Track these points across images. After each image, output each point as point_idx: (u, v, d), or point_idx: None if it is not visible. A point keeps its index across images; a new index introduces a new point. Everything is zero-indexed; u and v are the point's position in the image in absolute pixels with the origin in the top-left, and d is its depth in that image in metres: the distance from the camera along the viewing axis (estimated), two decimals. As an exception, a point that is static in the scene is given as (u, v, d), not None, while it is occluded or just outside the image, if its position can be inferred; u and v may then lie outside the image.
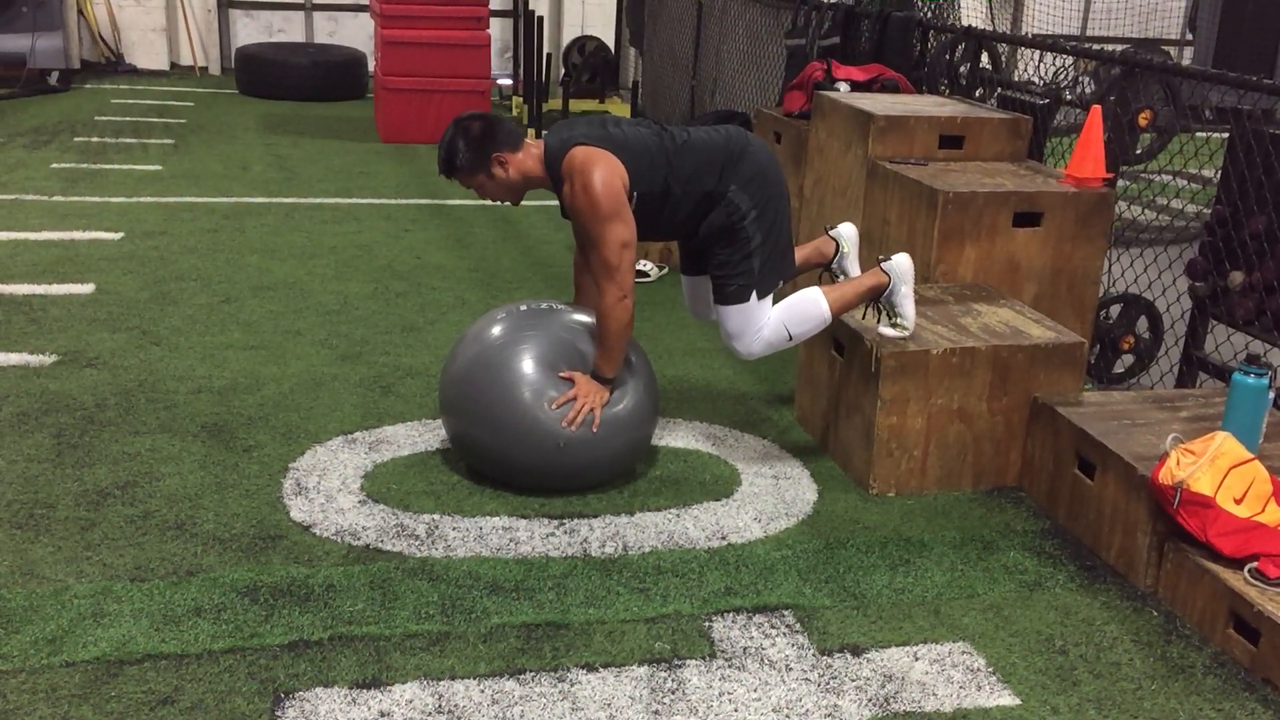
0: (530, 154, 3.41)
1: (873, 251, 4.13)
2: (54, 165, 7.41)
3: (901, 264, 3.58)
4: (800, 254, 3.78)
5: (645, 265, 5.70)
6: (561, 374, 3.37)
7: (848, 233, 3.85)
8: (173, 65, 11.82)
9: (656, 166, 3.36)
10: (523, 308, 3.52)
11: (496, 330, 3.44)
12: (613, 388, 3.41)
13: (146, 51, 11.66)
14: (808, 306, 3.54)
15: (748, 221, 3.42)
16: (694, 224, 3.47)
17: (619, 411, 3.42)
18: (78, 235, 5.87)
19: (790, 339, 3.54)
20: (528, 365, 3.36)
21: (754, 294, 3.46)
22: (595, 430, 3.34)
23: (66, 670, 2.54)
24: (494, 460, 3.42)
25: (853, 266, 3.81)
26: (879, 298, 3.59)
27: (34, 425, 3.71)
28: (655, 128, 3.46)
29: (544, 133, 3.45)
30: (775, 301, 3.56)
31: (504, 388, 3.33)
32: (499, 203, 3.52)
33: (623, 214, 3.29)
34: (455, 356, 3.48)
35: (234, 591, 2.87)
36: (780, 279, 3.53)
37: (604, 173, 3.27)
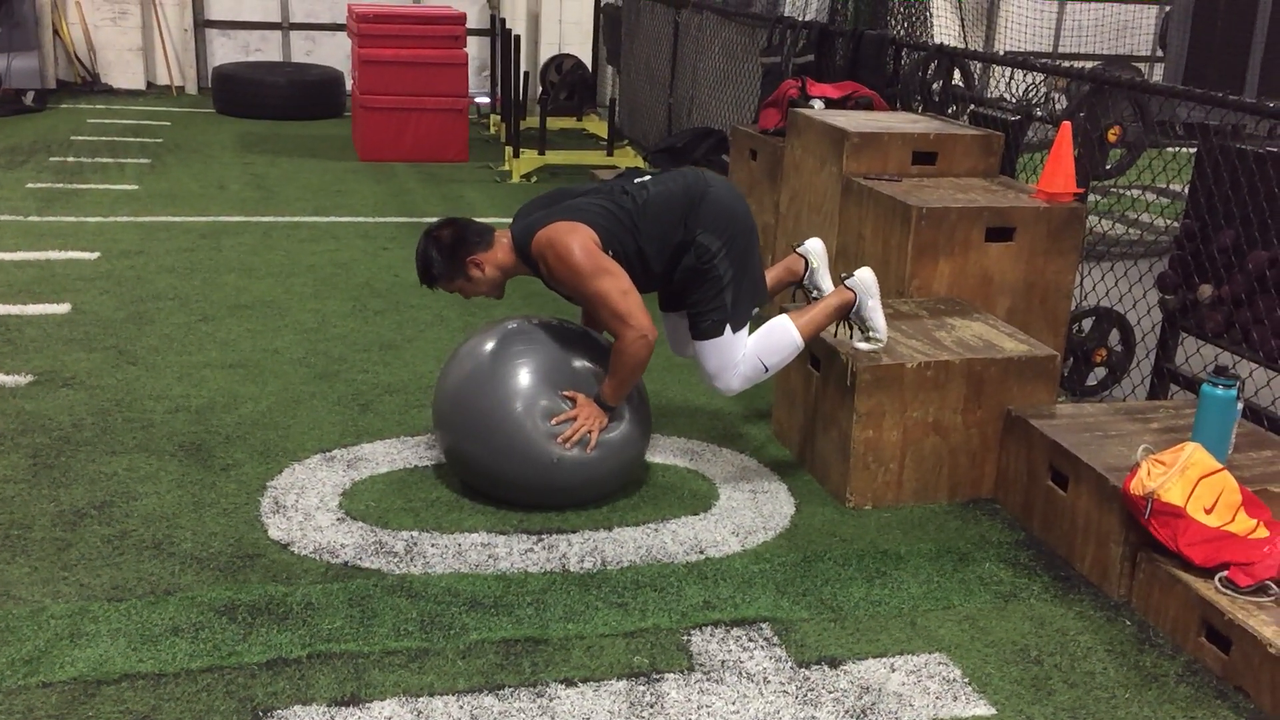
0: (501, 246, 3.47)
1: (849, 266, 4.16)
2: (30, 185, 7.38)
3: (865, 279, 3.62)
4: (771, 275, 3.81)
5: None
6: (564, 393, 3.40)
7: (815, 248, 3.88)
8: (149, 85, 11.80)
9: (623, 230, 3.40)
10: (514, 324, 3.54)
11: (491, 344, 3.46)
12: (613, 416, 3.44)
13: (123, 71, 11.64)
14: (779, 336, 3.57)
15: (717, 260, 3.45)
16: (669, 273, 3.52)
17: (614, 433, 3.45)
18: (54, 255, 5.85)
19: (766, 370, 3.58)
20: (523, 380, 3.38)
21: (728, 328, 3.50)
22: (590, 451, 3.36)
23: (43, 691, 2.53)
24: (486, 475, 3.43)
25: (824, 280, 3.84)
26: (848, 314, 3.63)
27: (10, 446, 3.70)
28: (612, 194, 3.48)
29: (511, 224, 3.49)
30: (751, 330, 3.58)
31: (498, 401, 3.35)
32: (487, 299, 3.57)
33: (607, 266, 3.32)
34: (449, 371, 3.50)
35: (212, 610, 2.87)
36: (752, 308, 3.56)
37: (573, 237, 3.31)
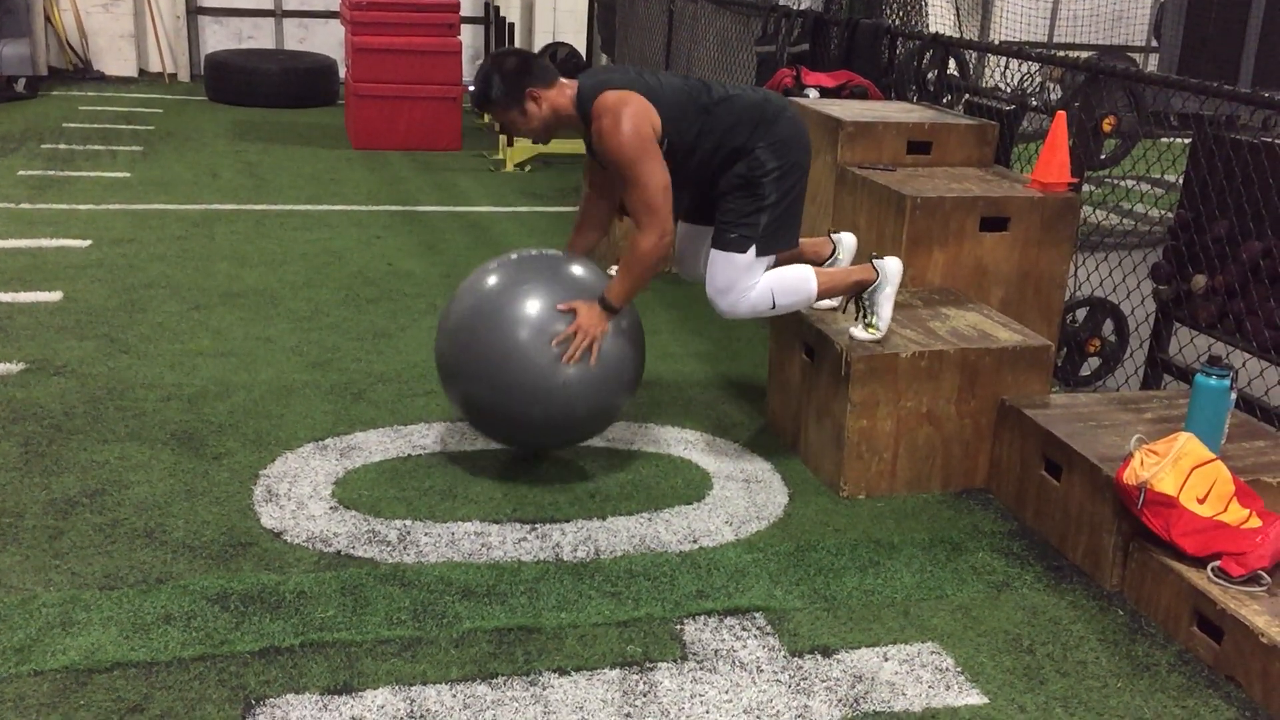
0: (564, 92, 3.41)
1: (855, 260, 4.15)
2: (21, 172, 7.35)
3: (892, 266, 3.61)
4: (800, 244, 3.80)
5: (613, 271, 5.71)
6: (560, 306, 3.32)
7: (848, 242, 3.88)
8: (141, 72, 11.75)
9: (690, 118, 3.38)
10: (511, 256, 3.50)
11: (492, 280, 3.41)
12: (612, 318, 3.36)
13: (115, 58, 11.59)
14: (797, 280, 3.56)
15: (768, 178, 3.43)
16: (717, 176, 3.48)
17: (611, 349, 3.37)
18: (45, 243, 5.83)
19: (774, 307, 3.55)
20: (524, 310, 3.31)
21: (753, 248, 3.46)
22: (593, 365, 3.31)
23: (35, 679, 2.52)
24: (494, 413, 3.39)
25: None
26: (863, 292, 3.62)
27: (1, 434, 3.68)
28: (694, 81, 3.49)
29: (580, 75, 3.46)
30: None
31: (501, 335, 3.30)
32: (531, 141, 3.50)
33: (654, 154, 3.29)
34: (451, 311, 3.47)
35: (204, 599, 2.86)
36: (783, 245, 3.54)
37: (634, 114, 3.27)
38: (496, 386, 3.34)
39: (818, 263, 3.86)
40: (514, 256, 3.52)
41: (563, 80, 3.44)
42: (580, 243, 3.74)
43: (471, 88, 3.45)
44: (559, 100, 3.40)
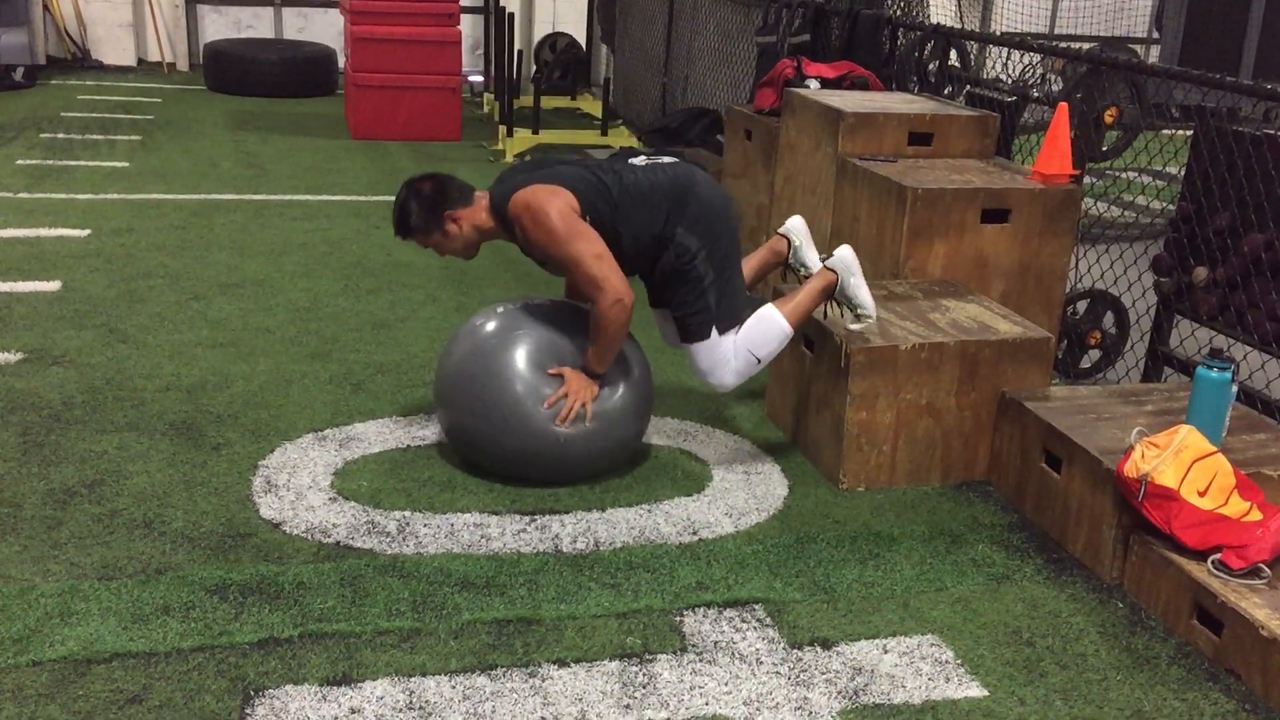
0: (480, 206, 3.46)
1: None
2: (19, 162, 7.33)
3: (844, 256, 3.61)
4: (755, 259, 3.80)
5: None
6: (550, 370, 3.38)
7: (796, 225, 3.85)
8: (140, 61, 11.72)
9: (602, 203, 3.39)
10: (514, 305, 3.55)
11: (492, 324, 3.47)
12: (602, 383, 3.42)
13: (113, 47, 11.55)
14: (767, 327, 3.56)
15: (697, 261, 3.45)
16: (647, 265, 3.51)
17: (615, 405, 3.44)
18: (44, 232, 5.81)
19: (759, 362, 3.58)
20: (526, 358, 3.38)
21: (714, 330, 3.50)
22: (589, 424, 3.36)
23: (33, 669, 2.52)
24: (491, 453, 3.44)
25: (809, 256, 3.79)
26: (833, 295, 3.62)
27: (-1, 424, 3.68)
28: (597, 167, 3.49)
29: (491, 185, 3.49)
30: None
31: (501, 381, 3.35)
32: (460, 258, 3.57)
33: (583, 230, 3.31)
34: (452, 351, 3.50)
35: (203, 589, 2.86)
36: (740, 311, 3.54)
37: (550, 201, 3.30)
38: (504, 454, 3.42)
39: (778, 263, 3.85)
40: (502, 310, 3.54)
41: (478, 193, 3.47)
42: (578, 295, 3.72)
43: (394, 214, 3.49)
44: (477, 216, 3.44)
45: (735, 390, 4.32)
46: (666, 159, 3.58)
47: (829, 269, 3.61)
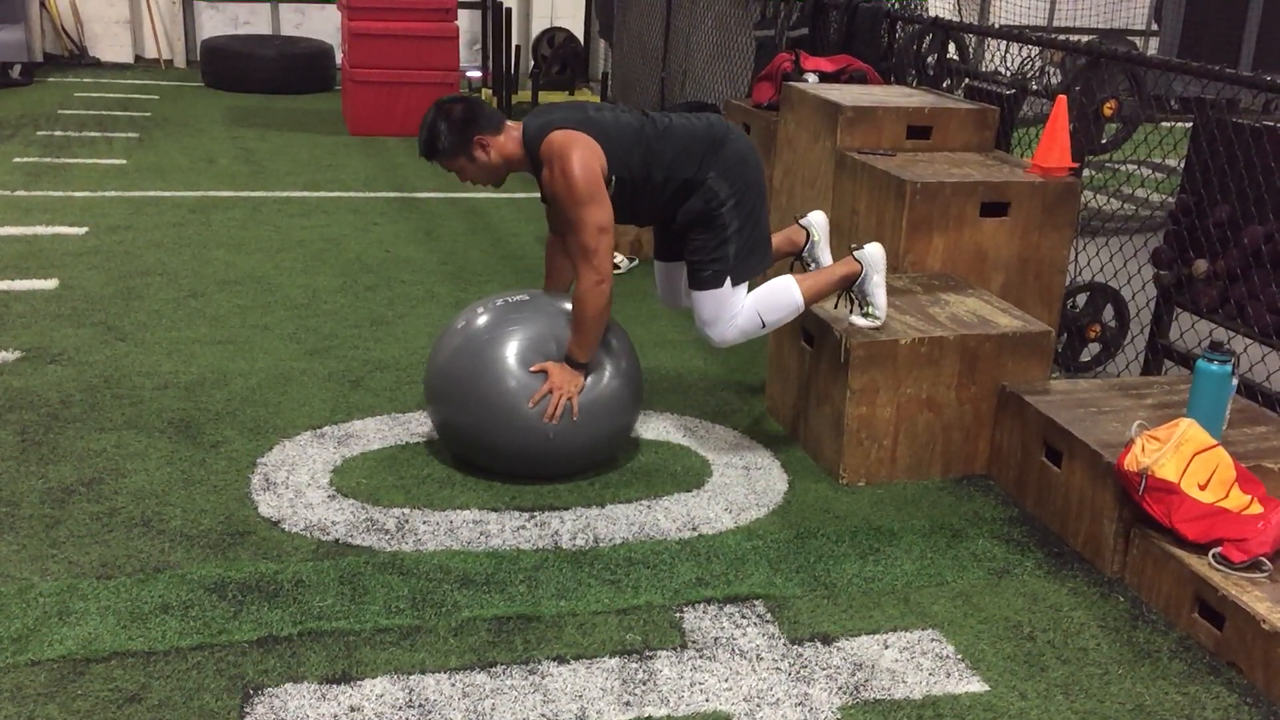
0: (511, 136, 3.41)
1: (843, 242, 4.14)
2: (16, 160, 7.32)
3: (874, 253, 3.59)
4: (772, 243, 3.79)
5: (616, 258, 5.70)
6: (533, 368, 3.36)
7: (818, 220, 3.86)
8: (137, 58, 11.70)
9: (636, 151, 3.36)
10: (500, 301, 3.53)
11: (481, 321, 3.45)
12: (587, 372, 3.41)
13: (110, 44, 11.53)
14: (781, 295, 3.55)
15: (725, 208, 3.42)
16: (672, 210, 3.48)
17: (604, 395, 3.43)
18: (41, 230, 5.80)
19: (764, 326, 3.55)
20: (513, 354, 3.36)
21: (728, 280, 3.46)
22: (575, 419, 3.35)
23: (32, 669, 2.51)
24: (482, 448, 3.43)
25: (824, 254, 3.82)
26: (851, 286, 3.61)
27: (-3, 422, 3.67)
28: (636, 114, 3.47)
29: (525, 117, 3.46)
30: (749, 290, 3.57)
31: (490, 378, 3.34)
32: (480, 185, 3.52)
33: (600, 198, 3.29)
34: (442, 346, 3.49)
35: (202, 588, 2.85)
36: (756, 269, 3.53)
37: (582, 156, 3.26)
38: (496, 450, 3.41)
39: (794, 253, 3.85)
40: (498, 303, 3.53)
41: (509, 124, 3.44)
42: (556, 282, 3.72)
43: (420, 134, 3.44)
44: (507, 145, 3.40)
45: (735, 385, 4.32)
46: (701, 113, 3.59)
47: (856, 260, 3.59)
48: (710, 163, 3.41)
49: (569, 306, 3.49)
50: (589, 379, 3.41)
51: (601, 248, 3.28)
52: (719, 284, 3.47)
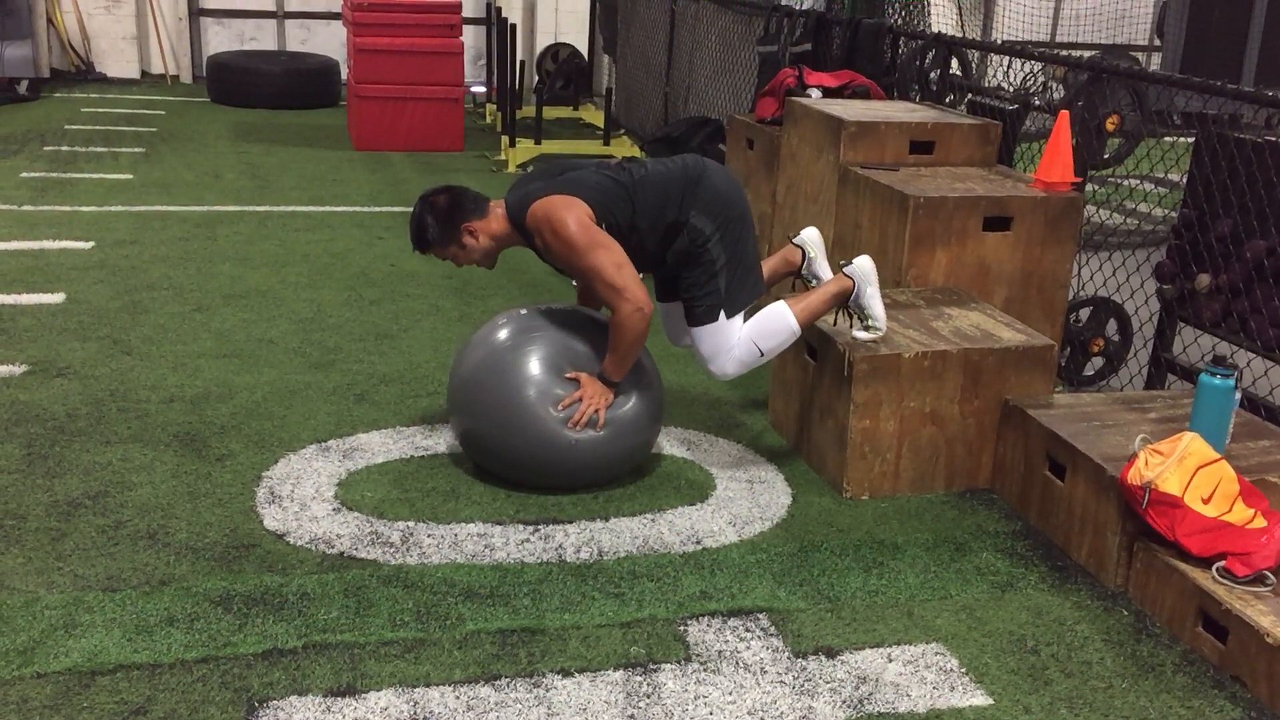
0: (495, 216, 3.49)
1: (846, 257, 4.14)
2: (23, 174, 7.35)
3: (863, 266, 3.61)
4: (767, 266, 3.81)
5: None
6: (567, 374, 3.41)
7: (811, 237, 3.87)
8: (143, 74, 11.75)
9: (619, 203, 3.42)
10: (526, 311, 3.57)
11: (504, 332, 3.49)
12: (618, 391, 3.44)
13: (117, 60, 11.59)
14: (775, 322, 3.57)
15: (710, 244, 3.47)
16: (661, 253, 3.53)
17: (627, 412, 3.46)
18: (48, 244, 5.83)
19: (762, 355, 3.58)
20: (538, 364, 3.41)
21: (722, 313, 3.50)
22: (599, 431, 3.38)
23: (38, 681, 2.52)
24: (502, 458, 3.46)
25: (822, 269, 3.84)
26: (846, 302, 3.62)
27: (4, 436, 3.68)
28: (609, 168, 3.52)
29: (506, 192, 3.52)
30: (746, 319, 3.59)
31: (515, 386, 3.38)
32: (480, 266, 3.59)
33: (601, 240, 3.34)
34: (465, 357, 3.53)
35: (207, 601, 2.86)
36: (749, 297, 3.56)
37: (568, 212, 3.32)
38: (515, 457, 3.44)
39: (793, 272, 3.87)
40: (516, 316, 3.57)
41: (492, 203, 3.50)
42: (592, 300, 3.76)
43: (410, 229, 3.52)
44: (493, 226, 3.48)
45: (739, 399, 4.33)
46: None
47: (847, 276, 3.61)
48: (690, 202, 3.45)
49: (592, 315, 3.53)
50: (617, 396, 3.44)
51: (627, 281, 3.32)
52: (714, 317, 3.51)
